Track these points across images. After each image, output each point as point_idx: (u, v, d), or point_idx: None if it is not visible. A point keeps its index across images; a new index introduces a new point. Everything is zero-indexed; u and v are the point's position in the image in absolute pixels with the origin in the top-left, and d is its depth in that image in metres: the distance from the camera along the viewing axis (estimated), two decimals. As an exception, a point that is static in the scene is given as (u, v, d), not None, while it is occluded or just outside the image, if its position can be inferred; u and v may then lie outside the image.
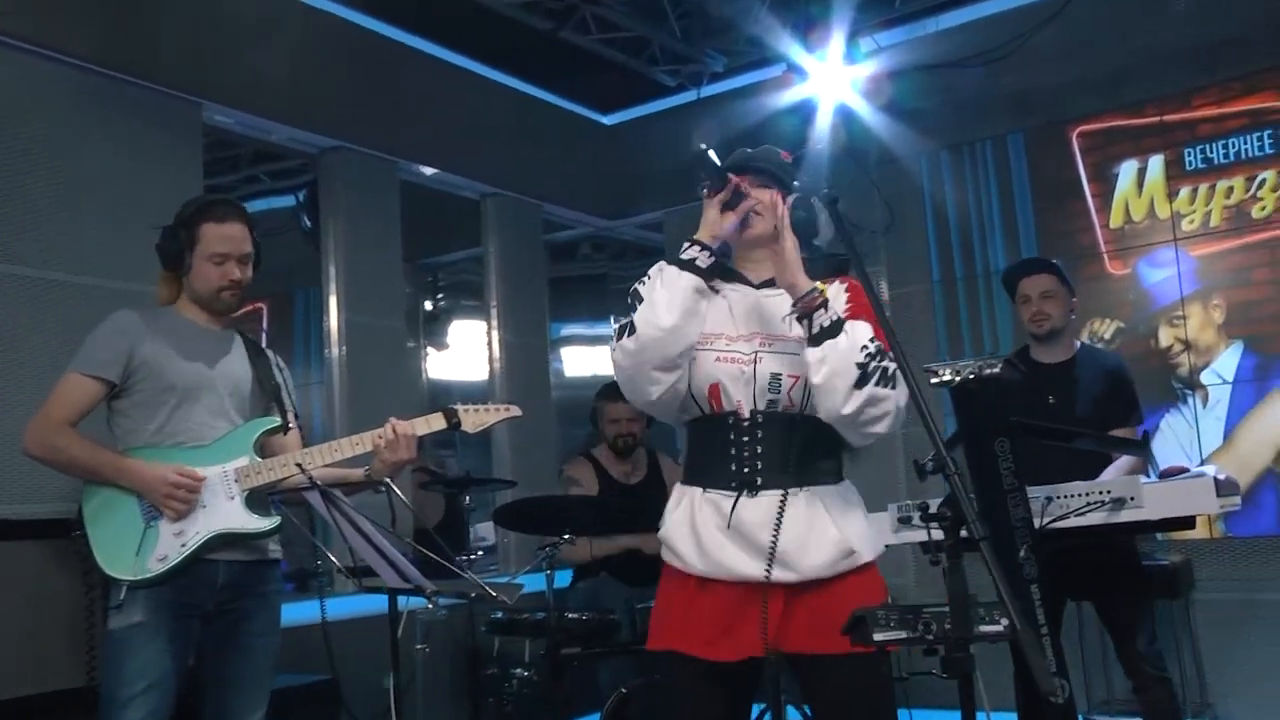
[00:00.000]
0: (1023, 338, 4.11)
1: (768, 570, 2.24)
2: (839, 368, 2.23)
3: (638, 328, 2.32)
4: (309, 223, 6.10)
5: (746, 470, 2.31)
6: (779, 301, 2.40)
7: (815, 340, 2.25)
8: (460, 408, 3.08)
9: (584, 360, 7.45)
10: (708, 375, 2.36)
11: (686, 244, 2.37)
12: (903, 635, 1.66)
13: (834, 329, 2.25)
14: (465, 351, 7.37)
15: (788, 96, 5.24)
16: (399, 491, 2.64)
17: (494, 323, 6.11)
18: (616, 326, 2.42)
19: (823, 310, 2.26)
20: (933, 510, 1.66)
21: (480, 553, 5.48)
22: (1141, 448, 3.68)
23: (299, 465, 2.84)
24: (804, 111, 5.36)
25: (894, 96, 5.33)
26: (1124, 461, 3.71)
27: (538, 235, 6.47)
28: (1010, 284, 4.05)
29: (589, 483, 5.08)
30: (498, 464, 5.98)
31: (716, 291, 2.46)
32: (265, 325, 7.42)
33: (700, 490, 2.37)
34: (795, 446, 2.30)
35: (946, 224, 5.89)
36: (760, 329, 2.39)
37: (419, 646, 2.95)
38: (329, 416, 5.14)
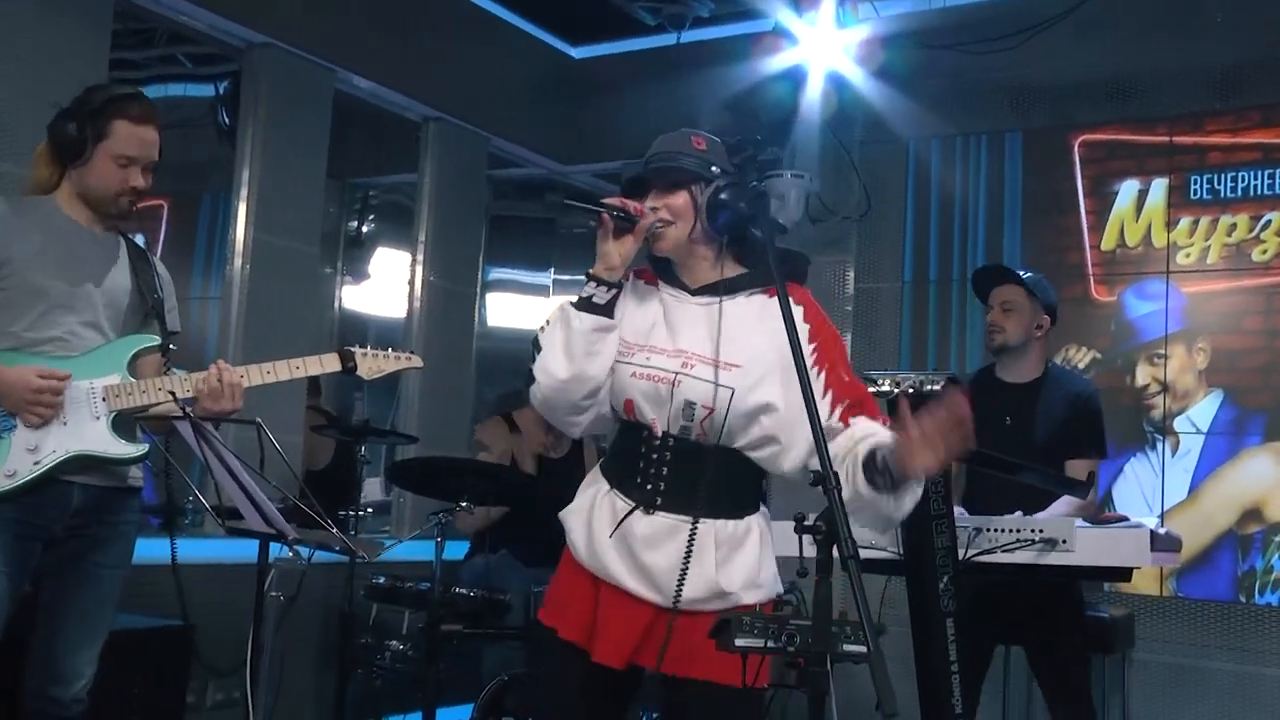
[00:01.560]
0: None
1: (652, 590, 2.43)
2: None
3: (537, 378, 2.50)
4: (228, 120, 6.08)
5: (649, 488, 2.49)
6: (711, 311, 2.51)
7: None
8: (357, 351, 3.18)
9: (511, 310, 7.47)
10: (623, 390, 2.52)
11: (585, 280, 2.51)
12: (763, 644, 1.82)
13: None
14: (387, 283, 7.36)
15: (773, 62, 5.34)
16: (271, 436, 2.77)
17: (419, 258, 6.13)
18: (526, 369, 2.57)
19: None
20: (808, 522, 1.82)
21: (370, 510, 5.58)
22: (1085, 489, 3.85)
23: (172, 394, 2.93)
24: (790, 79, 5.46)
25: (887, 69, 5.43)
26: (1065, 502, 3.83)
27: (481, 171, 6.51)
28: (978, 289, 4.20)
29: (501, 449, 5.20)
30: (404, 416, 6.04)
31: (654, 287, 2.60)
32: (165, 226, 7.40)
33: (607, 486, 2.56)
34: (704, 477, 2.44)
35: (927, 220, 6.03)
36: (688, 347, 2.51)
37: (273, 594, 3.08)
38: (224, 338, 5.19)
